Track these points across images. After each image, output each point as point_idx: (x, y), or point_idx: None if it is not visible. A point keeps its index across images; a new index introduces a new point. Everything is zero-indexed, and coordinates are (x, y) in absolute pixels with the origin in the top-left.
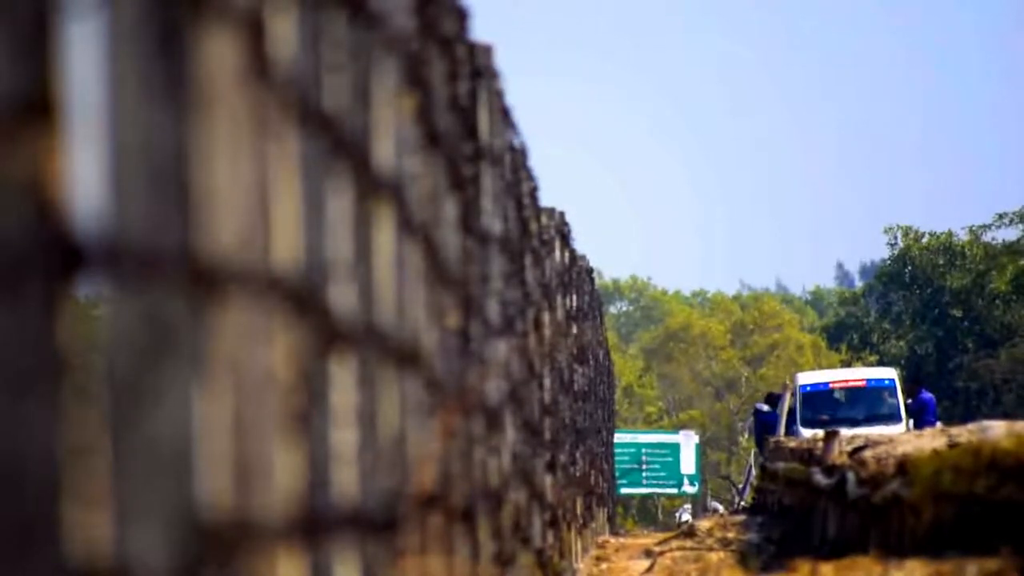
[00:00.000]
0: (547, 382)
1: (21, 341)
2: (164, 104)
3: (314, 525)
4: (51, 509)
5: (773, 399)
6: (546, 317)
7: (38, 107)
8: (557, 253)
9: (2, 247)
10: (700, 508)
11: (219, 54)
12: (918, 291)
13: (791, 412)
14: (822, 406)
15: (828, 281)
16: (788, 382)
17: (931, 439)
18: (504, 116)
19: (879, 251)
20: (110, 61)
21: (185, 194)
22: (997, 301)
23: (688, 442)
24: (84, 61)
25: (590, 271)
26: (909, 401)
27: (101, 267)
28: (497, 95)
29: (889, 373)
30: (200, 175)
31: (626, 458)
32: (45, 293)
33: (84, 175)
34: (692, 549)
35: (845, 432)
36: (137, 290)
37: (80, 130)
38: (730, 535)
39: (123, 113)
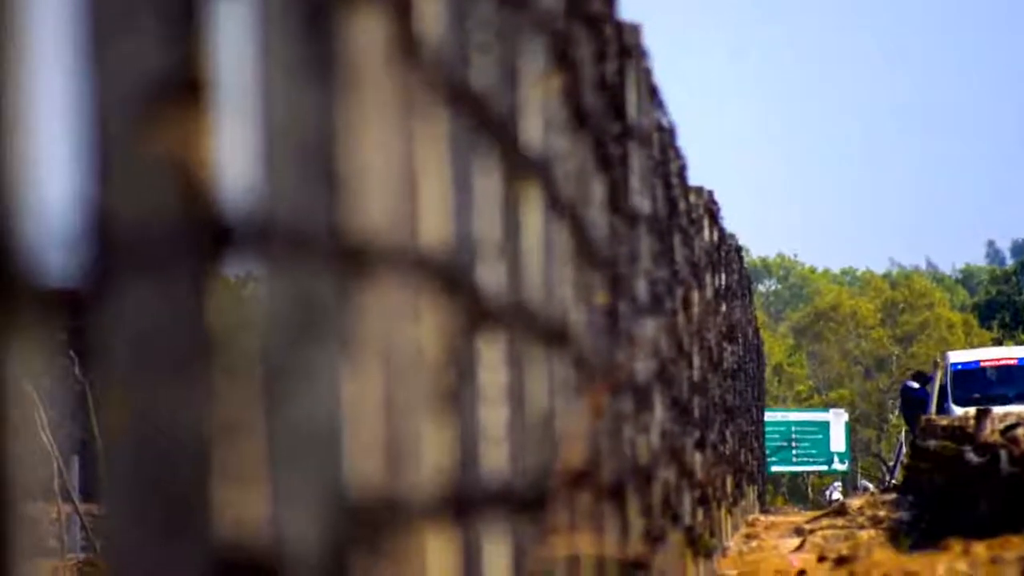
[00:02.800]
0: (696, 360)
1: (172, 321)
2: (312, 84)
3: (464, 504)
4: (202, 489)
5: (921, 377)
6: (695, 296)
7: (187, 88)
8: (706, 232)
9: (152, 228)
10: (850, 486)
11: (367, 33)
12: None
13: (942, 390)
14: (973, 384)
15: (979, 259)
16: (939, 360)
17: None
18: (652, 95)
19: None
20: (258, 41)
21: (334, 174)
22: None
23: (838, 420)
24: (232, 41)
25: (739, 249)
26: None
27: (250, 247)
28: (645, 74)
29: None
30: (349, 155)
31: (776, 436)
32: (195, 273)
33: (232, 155)
34: (843, 527)
35: (997, 410)
36: (286, 270)
37: (228, 111)
38: (881, 513)
39: (271, 93)
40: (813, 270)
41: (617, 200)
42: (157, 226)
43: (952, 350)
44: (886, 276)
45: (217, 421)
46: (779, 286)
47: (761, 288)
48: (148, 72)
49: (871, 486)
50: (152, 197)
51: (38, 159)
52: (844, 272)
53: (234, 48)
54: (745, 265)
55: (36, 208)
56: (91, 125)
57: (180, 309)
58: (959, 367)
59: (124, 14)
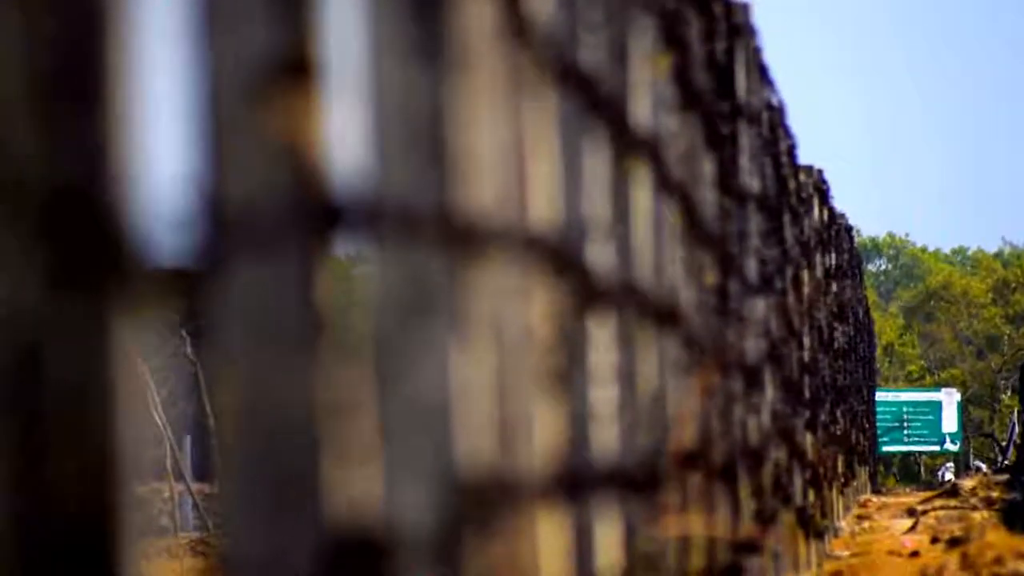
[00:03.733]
0: (806, 340)
1: (283, 300)
2: (422, 64)
3: (575, 483)
4: (314, 467)
5: None
6: (805, 275)
7: (297, 69)
8: (815, 211)
9: (264, 208)
10: (962, 467)
11: (477, 13)
12: None
13: None
14: None
15: None
16: None
17: None
18: (761, 74)
19: None
20: (369, 22)
21: (444, 154)
22: None
23: (950, 400)
24: (342, 22)
25: (848, 229)
26: None
27: (361, 227)
28: (754, 53)
29: None
30: (458, 135)
31: (887, 416)
32: (306, 253)
33: (343, 136)
34: (955, 508)
35: None
36: (397, 250)
37: (338, 91)
38: (994, 494)
39: (382, 74)
40: (924, 249)
41: (726, 179)
42: (268, 206)
43: None
44: (998, 255)
45: (329, 400)
46: (889, 266)
47: (871, 268)
48: (259, 53)
49: (984, 466)
50: (263, 178)
51: (150, 139)
52: (955, 252)
53: (344, 29)
54: (855, 245)
55: (148, 188)
56: (203, 106)
57: (291, 289)
58: None
59: None
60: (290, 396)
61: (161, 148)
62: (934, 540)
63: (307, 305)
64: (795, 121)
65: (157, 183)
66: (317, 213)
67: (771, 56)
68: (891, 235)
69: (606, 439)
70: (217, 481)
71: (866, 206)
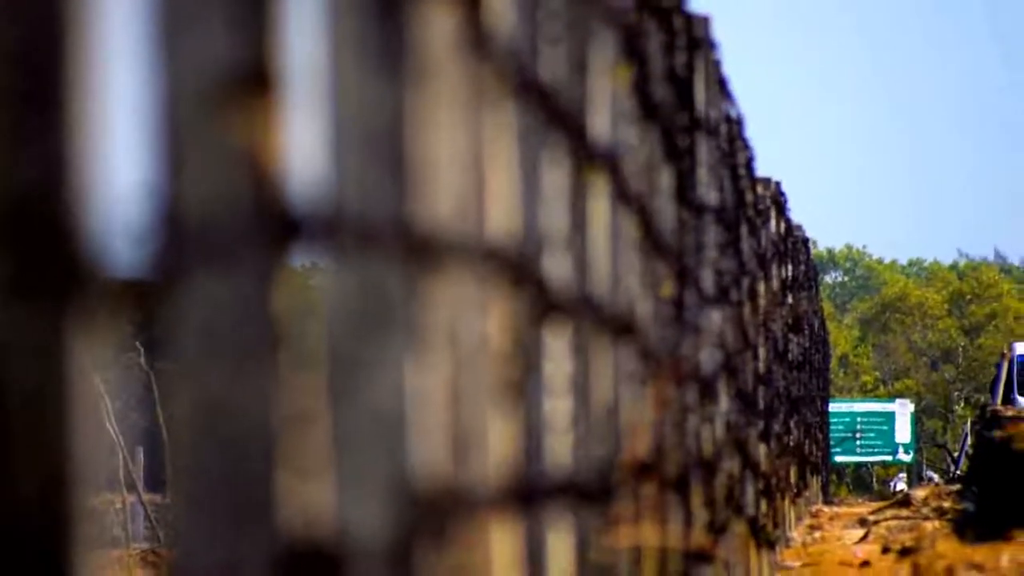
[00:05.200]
0: (762, 351)
1: (240, 311)
2: (382, 75)
3: (528, 494)
4: (268, 478)
5: None
6: (761, 287)
7: (257, 79)
8: (772, 223)
9: (222, 218)
10: (915, 477)
11: (437, 25)
12: None
13: (1008, 381)
14: None
15: None
16: (1005, 351)
17: None
18: (720, 87)
19: None
20: (329, 32)
21: (402, 165)
22: None
23: (903, 411)
24: (303, 32)
25: (805, 241)
26: None
27: (318, 238)
28: (714, 66)
29: None
30: (417, 146)
31: (841, 427)
32: (263, 264)
33: (302, 146)
34: (907, 518)
35: None
36: (354, 261)
37: (298, 101)
38: (945, 504)
39: (341, 84)
40: (880, 261)
41: (684, 191)
42: (226, 217)
43: (1019, 341)
44: (953, 267)
45: (283, 411)
46: (846, 277)
47: (828, 279)
48: (218, 63)
49: (936, 477)
50: (221, 188)
51: (108, 150)
52: (911, 263)
53: (304, 39)
54: (812, 256)
55: (105, 199)
56: (161, 116)
57: (248, 299)
58: None
59: (195, 4)
60: (245, 407)
61: (120, 158)
62: (885, 550)
63: (264, 316)
64: (754, 133)
65: (115, 194)
66: (275, 224)
67: (731, 69)
68: (848, 247)
69: (560, 450)
70: (169, 492)
71: (824, 218)
